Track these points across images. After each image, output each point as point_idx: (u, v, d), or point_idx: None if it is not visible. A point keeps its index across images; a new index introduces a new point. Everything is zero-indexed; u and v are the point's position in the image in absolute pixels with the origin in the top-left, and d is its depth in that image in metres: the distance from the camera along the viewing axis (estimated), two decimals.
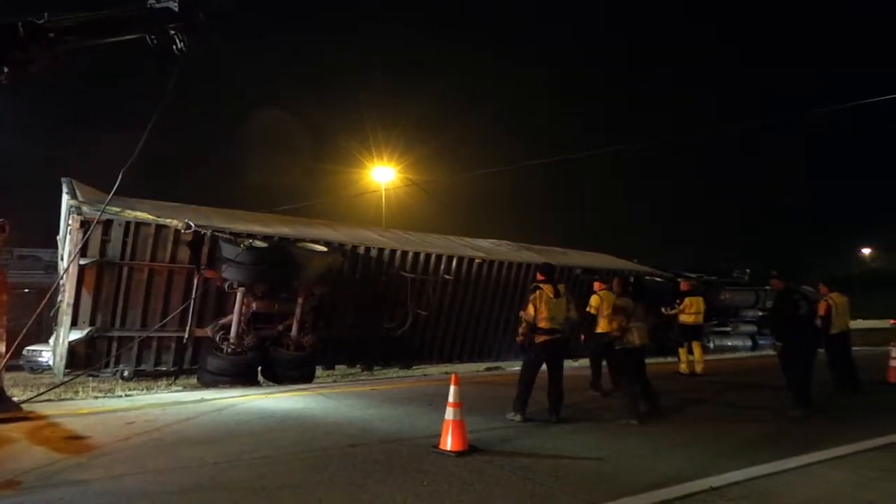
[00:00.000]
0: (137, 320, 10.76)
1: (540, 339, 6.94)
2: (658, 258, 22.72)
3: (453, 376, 5.83)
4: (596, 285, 10.06)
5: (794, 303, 7.86)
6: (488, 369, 13.32)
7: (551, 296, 6.98)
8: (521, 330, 7.17)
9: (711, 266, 22.81)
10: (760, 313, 22.33)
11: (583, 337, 9.85)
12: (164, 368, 11.28)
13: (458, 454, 5.36)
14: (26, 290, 20.93)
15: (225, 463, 5.13)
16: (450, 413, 5.56)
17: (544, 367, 7.10)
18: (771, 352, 20.85)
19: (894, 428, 6.57)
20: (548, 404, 6.98)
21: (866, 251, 54.78)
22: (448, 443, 5.46)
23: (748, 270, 22.66)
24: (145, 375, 11.16)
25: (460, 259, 14.10)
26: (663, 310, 12.83)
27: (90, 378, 11.63)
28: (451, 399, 5.60)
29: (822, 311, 9.51)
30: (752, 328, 22.10)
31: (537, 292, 7.05)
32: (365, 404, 7.98)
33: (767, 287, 22.57)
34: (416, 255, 13.47)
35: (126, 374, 11.08)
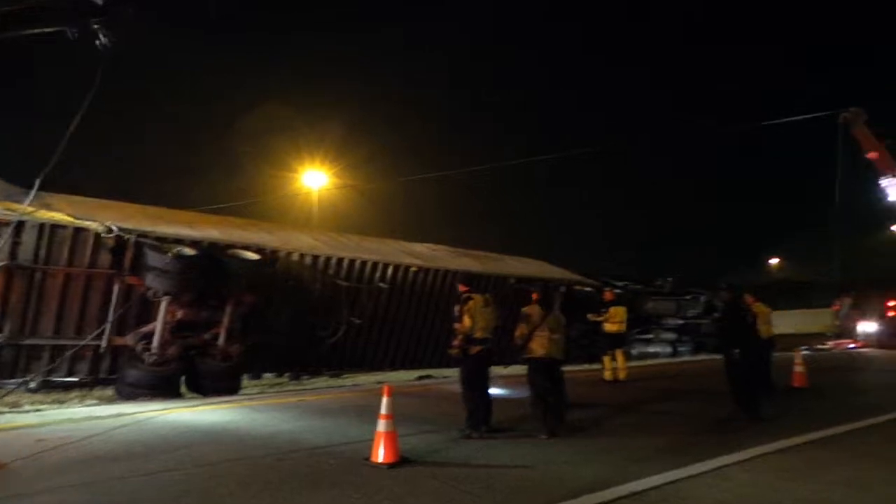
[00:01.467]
0: (50, 328, 10.18)
1: (475, 349, 6.94)
2: (584, 264, 23.46)
3: (385, 388, 5.80)
4: (534, 296, 10.24)
5: (741, 313, 8.34)
6: (420, 378, 13.32)
7: (483, 305, 7.00)
8: (456, 343, 7.06)
9: (638, 274, 23.76)
10: (681, 321, 23.39)
11: None
12: (77, 379, 10.69)
13: (390, 466, 5.34)
14: None
15: (144, 480, 4.91)
16: (381, 425, 5.53)
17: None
18: (689, 357, 21.88)
19: (799, 430, 7.02)
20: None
21: (774, 261, 58.16)
22: (380, 455, 5.43)
23: (670, 279, 23.73)
24: (54, 387, 10.53)
25: (396, 266, 14.08)
26: (590, 316, 13.23)
27: None
28: (382, 411, 5.58)
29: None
30: (672, 335, 23.12)
31: (469, 303, 7.01)
32: (293, 416, 7.82)
33: (688, 297, 23.72)
34: (352, 262, 13.35)
35: (33, 385, 10.42)
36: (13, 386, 10.18)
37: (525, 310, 7.39)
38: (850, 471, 5.46)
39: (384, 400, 5.61)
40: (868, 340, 25.69)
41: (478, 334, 6.92)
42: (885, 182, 26.02)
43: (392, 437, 5.50)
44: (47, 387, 10.24)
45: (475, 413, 6.78)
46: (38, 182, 7.27)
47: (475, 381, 6.96)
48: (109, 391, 10.40)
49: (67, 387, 10.50)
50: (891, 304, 26.13)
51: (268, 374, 13.15)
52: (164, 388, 9.99)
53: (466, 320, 6.91)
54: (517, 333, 7.27)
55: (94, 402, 9.47)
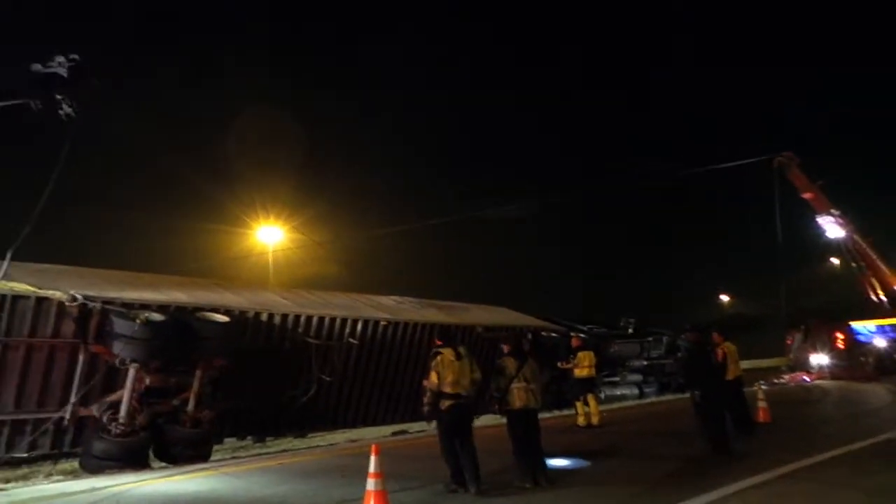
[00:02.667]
0: (11, 402, 9.81)
1: (445, 404, 6.77)
2: (545, 308, 23.84)
3: (373, 446, 5.85)
4: (504, 347, 10.41)
5: (707, 353, 8.62)
6: (395, 434, 13.24)
7: (452, 359, 6.81)
8: (425, 400, 6.89)
9: (598, 316, 24.21)
10: (645, 362, 23.87)
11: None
12: (37, 453, 10.29)
13: None
14: None
15: None
16: (371, 484, 5.57)
17: None
18: (655, 398, 22.27)
19: (769, 465, 7.30)
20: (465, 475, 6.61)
21: (725, 298, 60.09)
22: None
23: (632, 320, 24.17)
24: (12, 463, 10.10)
25: (365, 322, 14.11)
26: (559, 364, 13.48)
27: None
28: (371, 469, 5.62)
29: (718, 357, 10.17)
30: (638, 377, 23.56)
31: (438, 358, 6.83)
32: (275, 480, 7.72)
33: (650, 338, 24.29)
34: (321, 319, 13.35)
35: None
36: None
37: (500, 362, 7.39)
38: (824, 502, 5.73)
39: (372, 458, 5.66)
40: (822, 372, 26.61)
41: (447, 389, 6.73)
42: (822, 220, 27.66)
43: (382, 496, 5.54)
44: (8, 463, 9.81)
45: (457, 470, 6.62)
46: (8, 257, 7.23)
47: (451, 437, 6.75)
48: (74, 464, 10.03)
49: (24, 462, 10.07)
50: (839, 335, 27.22)
51: (229, 439, 12.79)
52: (132, 459, 9.67)
53: (433, 376, 6.77)
54: (492, 387, 7.28)
55: (60, 477, 9.10)
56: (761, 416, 11.66)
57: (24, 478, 8.85)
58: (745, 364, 11.79)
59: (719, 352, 10.41)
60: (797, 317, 29.42)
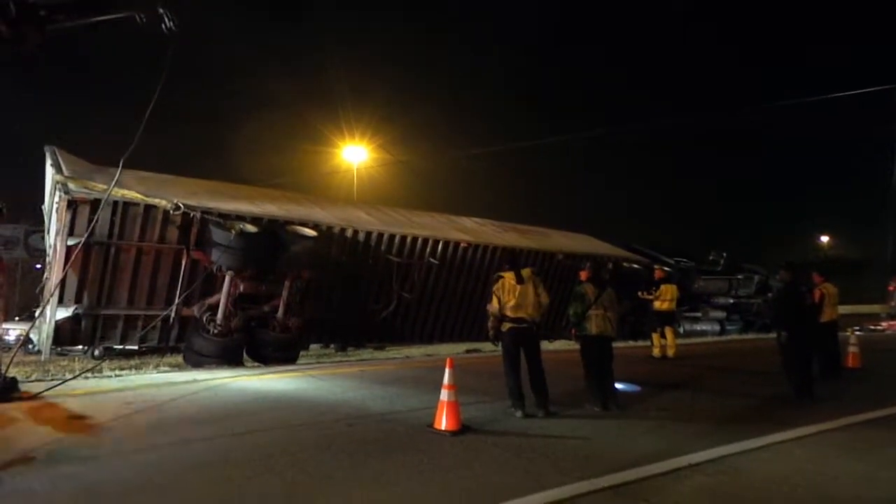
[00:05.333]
0: (124, 299, 10.83)
1: (507, 326, 6.74)
2: (634, 237, 23.25)
3: (448, 360, 6.09)
4: (582, 274, 10.38)
5: (800, 294, 8.27)
6: (468, 351, 13.64)
7: (514, 283, 6.74)
8: (490, 324, 6.90)
9: (689, 249, 23.24)
10: (731, 300, 23.09)
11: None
12: (136, 348, 11.46)
13: (453, 433, 5.65)
14: None
15: (231, 440, 5.35)
16: (444, 394, 5.83)
17: None
18: (736, 336, 21.65)
19: (853, 409, 7.08)
20: (534, 398, 6.69)
21: (825, 239, 56.50)
22: (443, 423, 5.74)
23: (724, 255, 23.14)
24: (124, 355, 11.28)
25: (446, 243, 14.37)
26: (640, 294, 13.29)
27: (62, 357, 11.72)
28: (445, 381, 5.87)
29: (815, 298, 9.85)
30: (721, 314, 22.90)
31: (499, 282, 6.82)
32: (355, 385, 8.22)
33: (740, 276, 23.34)
34: (403, 238, 13.69)
35: (97, 353, 11.17)
36: (77, 353, 10.98)
37: (578, 288, 7.46)
38: None
39: (447, 371, 5.90)
40: None
41: (508, 313, 6.70)
42: None
43: (454, 406, 5.80)
44: (123, 354, 10.96)
45: (516, 391, 6.66)
46: (121, 165, 7.78)
47: (513, 360, 6.76)
48: (178, 358, 11.07)
49: (127, 354, 11.23)
50: None
51: (314, 345, 13.73)
52: (228, 357, 10.55)
53: (494, 301, 6.78)
54: (570, 311, 7.38)
55: (167, 368, 10.08)
56: (850, 362, 11.20)
57: (136, 367, 9.83)
58: (842, 309, 11.17)
59: (817, 293, 10.00)
60: None
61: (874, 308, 29.49)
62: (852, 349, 11.40)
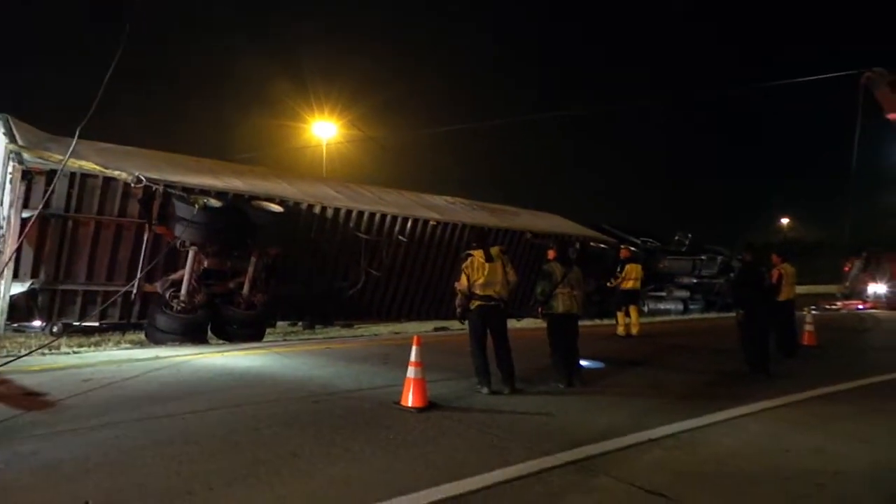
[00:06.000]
0: (83, 274, 10.55)
1: (475, 304, 6.75)
2: (605, 218, 23.46)
3: (415, 337, 6.10)
4: (549, 253, 10.46)
5: (760, 275, 8.49)
6: (436, 329, 13.70)
7: (483, 261, 6.75)
8: (457, 302, 6.91)
9: (656, 230, 23.57)
10: (695, 280, 23.57)
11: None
12: (97, 324, 11.18)
13: (419, 410, 5.67)
14: None
15: (193, 417, 5.27)
16: (411, 371, 5.84)
17: None
18: (698, 315, 22.14)
19: (807, 385, 7.33)
20: (500, 375, 6.75)
21: (785, 221, 57.96)
22: (409, 399, 5.76)
23: (689, 236, 23.51)
24: (84, 332, 10.99)
25: (415, 220, 14.32)
26: (608, 284, 13.48)
27: (19, 334, 11.39)
28: (412, 358, 5.88)
29: (773, 278, 10.10)
30: (685, 293, 23.40)
31: (468, 260, 6.82)
32: (322, 363, 8.19)
33: (703, 257, 23.82)
34: (372, 215, 13.59)
35: (56, 329, 10.88)
36: (35, 330, 10.68)
37: (545, 267, 7.53)
38: (856, 424, 5.75)
39: (414, 348, 5.90)
40: (877, 302, 25.89)
41: (477, 291, 6.71)
42: None
43: (421, 383, 5.82)
44: (83, 332, 10.69)
45: (482, 369, 6.70)
46: (76, 135, 7.51)
47: (479, 338, 6.78)
48: (140, 335, 10.85)
49: (87, 331, 10.95)
50: None
51: (281, 323, 13.63)
52: (192, 334, 10.41)
53: (463, 279, 6.79)
54: (538, 290, 7.44)
55: (128, 345, 9.89)
56: (806, 340, 11.55)
57: (96, 344, 9.63)
58: (799, 289, 11.49)
59: (775, 272, 10.24)
60: (859, 245, 28.33)
61: (830, 288, 30.47)
62: (808, 328, 11.76)
